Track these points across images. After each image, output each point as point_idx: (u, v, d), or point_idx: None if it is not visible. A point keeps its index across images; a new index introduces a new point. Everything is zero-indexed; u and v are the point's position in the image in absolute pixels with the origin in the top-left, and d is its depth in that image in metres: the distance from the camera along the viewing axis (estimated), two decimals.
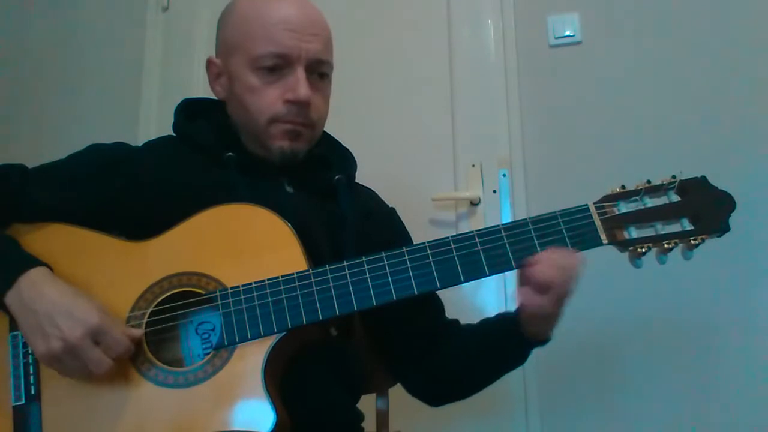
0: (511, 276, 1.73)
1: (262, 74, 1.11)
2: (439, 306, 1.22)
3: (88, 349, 0.92)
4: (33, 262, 0.99)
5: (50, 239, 1.05)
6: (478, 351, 1.12)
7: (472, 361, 1.13)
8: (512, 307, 1.71)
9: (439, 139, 1.90)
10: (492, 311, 1.75)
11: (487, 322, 1.15)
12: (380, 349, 1.23)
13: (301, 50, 1.10)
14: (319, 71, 1.14)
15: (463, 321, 1.21)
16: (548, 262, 0.96)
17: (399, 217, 1.30)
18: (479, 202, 1.84)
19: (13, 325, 1.00)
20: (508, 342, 1.08)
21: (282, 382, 1.00)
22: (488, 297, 1.80)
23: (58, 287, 0.97)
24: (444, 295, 1.21)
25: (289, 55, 1.10)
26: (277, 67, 1.11)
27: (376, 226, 1.21)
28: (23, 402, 0.98)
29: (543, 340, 1.07)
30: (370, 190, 1.32)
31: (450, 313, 1.23)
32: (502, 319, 1.11)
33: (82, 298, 0.96)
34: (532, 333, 1.04)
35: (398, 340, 1.18)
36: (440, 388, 1.19)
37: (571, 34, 1.88)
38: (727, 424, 1.60)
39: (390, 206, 1.31)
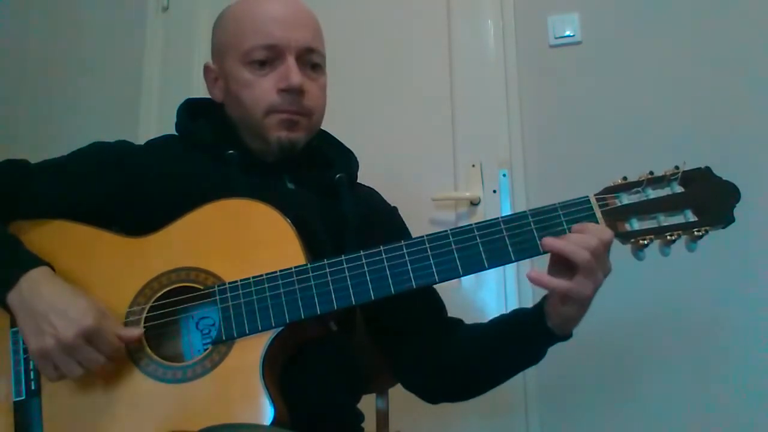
0: (511, 276, 1.77)
1: (255, 68, 1.12)
2: (441, 303, 1.21)
3: (80, 348, 0.93)
4: (35, 261, 0.99)
5: (50, 236, 1.06)
6: (496, 344, 1.08)
7: (485, 354, 1.10)
8: (511, 307, 1.72)
9: (439, 139, 1.90)
10: (492, 311, 1.76)
11: (503, 318, 1.11)
12: (380, 343, 1.21)
13: (290, 40, 1.11)
14: (311, 61, 1.15)
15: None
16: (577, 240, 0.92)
17: (400, 216, 1.30)
18: (479, 202, 1.84)
19: (14, 322, 1.00)
20: (530, 334, 1.03)
21: (282, 379, 0.99)
22: (488, 297, 1.80)
23: (57, 287, 0.97)
24: (444, 295, 1.21)
25: (279, 46, 1.11)
26: (269, 59, 1.12)
27: (377, 224, 1.21)
28: (24, 397, 0.99)
29: (565, 335, 1.01)
30: (372, 189, 1.31)
31: (450, 313, 1.21)
32: (523, 312, 1.08)
33: (80, 298, 0.96)
34: (557, 325, 0.99)
35: (400, 334, 1.17)
36: (443, 385, 1.16)
37: (571, 34, 1.88)
38: (729, 424, 1.60)
39: (392, 205, 1.31)
